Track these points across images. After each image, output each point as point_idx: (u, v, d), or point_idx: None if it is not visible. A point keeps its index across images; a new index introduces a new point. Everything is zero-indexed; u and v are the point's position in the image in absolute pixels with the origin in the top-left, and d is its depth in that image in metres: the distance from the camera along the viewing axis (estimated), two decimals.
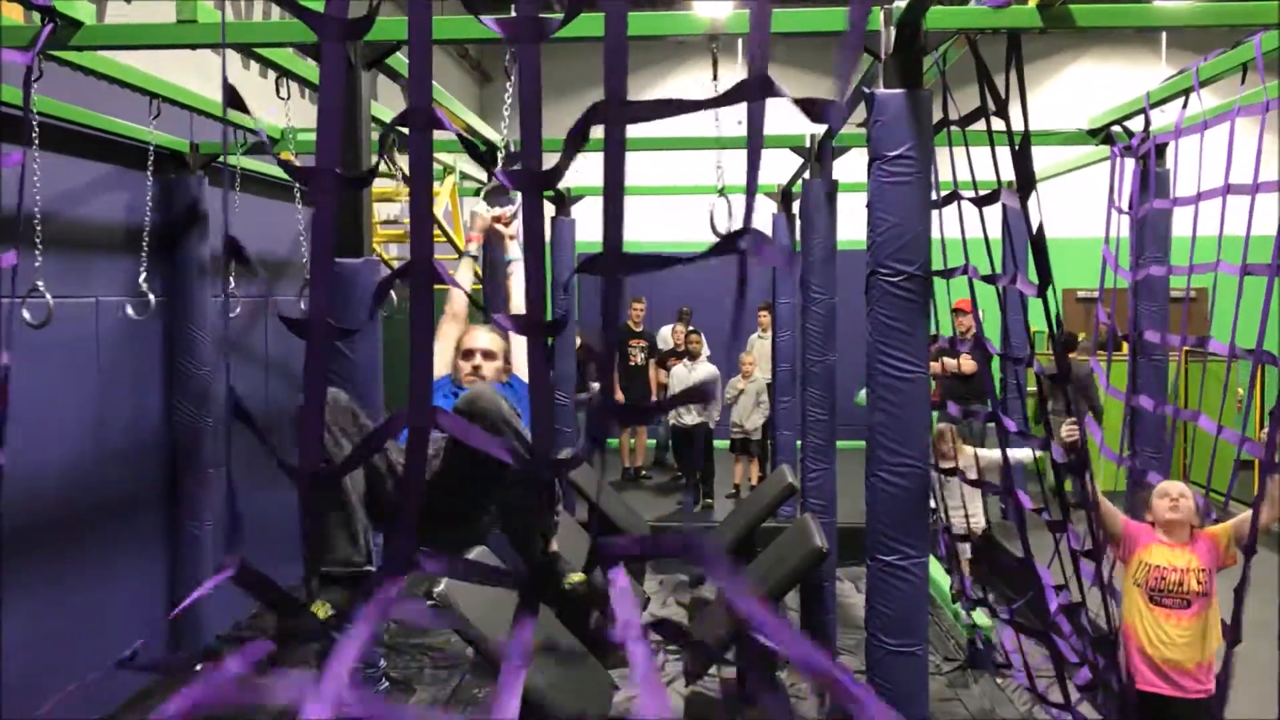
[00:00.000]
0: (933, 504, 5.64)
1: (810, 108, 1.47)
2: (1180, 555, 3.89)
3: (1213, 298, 4.60)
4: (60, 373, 5.06)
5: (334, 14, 1.48)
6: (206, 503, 6.13)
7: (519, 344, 3.52)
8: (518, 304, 3.52)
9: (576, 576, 2.52)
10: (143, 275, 5.40)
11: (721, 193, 3.82)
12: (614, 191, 1.39)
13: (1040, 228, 2.87)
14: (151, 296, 5.39)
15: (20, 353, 3.63)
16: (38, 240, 4.17)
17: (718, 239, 1.36)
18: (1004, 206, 3.49)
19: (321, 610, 2.26)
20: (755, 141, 1.38)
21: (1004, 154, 3.46)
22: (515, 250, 3.78)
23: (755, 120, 1.39)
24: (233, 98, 1.67)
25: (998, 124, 3.32)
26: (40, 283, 4.07)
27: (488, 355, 3.31)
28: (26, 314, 4.05)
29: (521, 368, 3.47)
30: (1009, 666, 4.78)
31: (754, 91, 1.37)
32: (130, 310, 5.39)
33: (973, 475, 5.32)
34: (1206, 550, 3.89)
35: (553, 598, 3.01)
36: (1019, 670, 4.80)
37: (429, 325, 1.52)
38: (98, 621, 5.33)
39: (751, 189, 1.37)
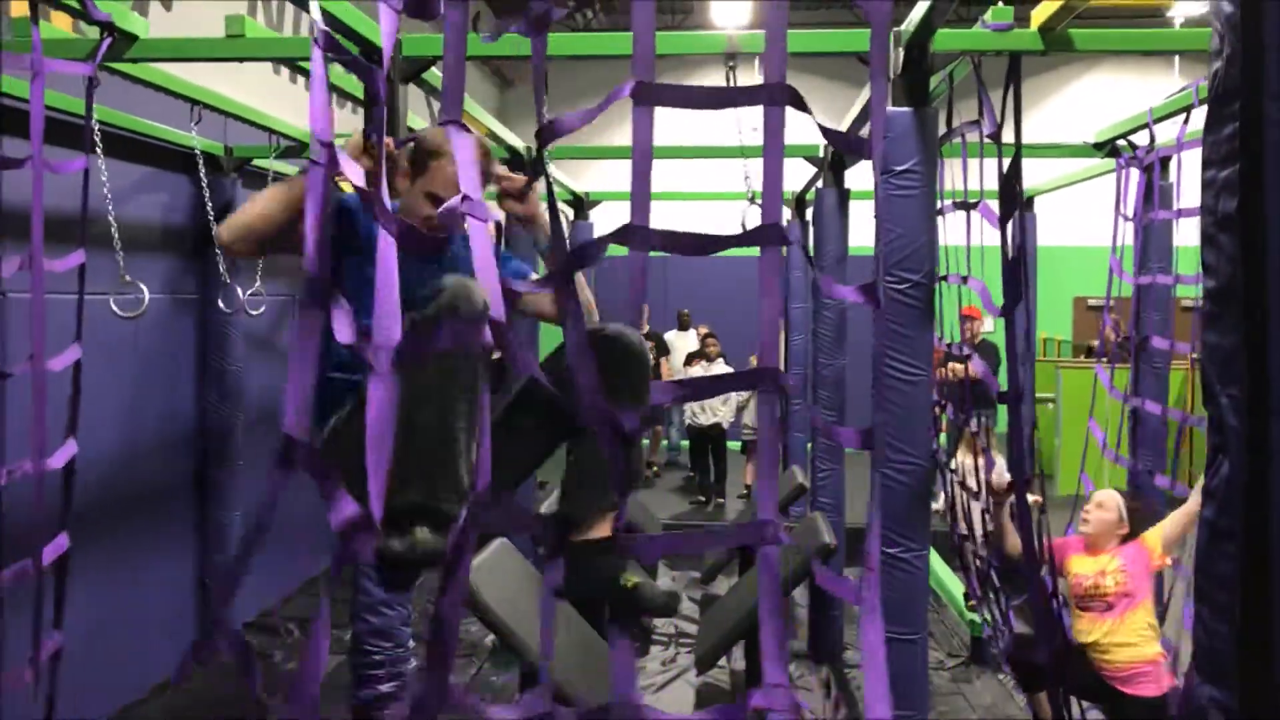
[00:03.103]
0: (941, 504, 5.83)
1: (841, 140, 1.63)
2: (1096, 560, 4.05)
3: None
4: (100, 367, 5.27)
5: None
6: (235, 494, 6.35)
7: None
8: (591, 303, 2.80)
9: (633, 578, 2.27)
10: (121, 269, 5.21)
11: (753, 200, 3.96)
12: (642, 167, 1.51)
13: (1021, 246, 3.03)
14: (146, 291, 5.41)
15: (63, 347, 3.82)
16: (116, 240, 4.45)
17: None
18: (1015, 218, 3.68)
19: (421, 537, 2.12)
20: (774, 144, 1.52)
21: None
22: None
23: (773, 123, 1.52)
24: None
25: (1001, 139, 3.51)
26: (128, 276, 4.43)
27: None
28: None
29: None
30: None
31: (774, 96, 1.51)
32: (113, 306, 5.40)
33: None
34: (1133, 553, 4.02)
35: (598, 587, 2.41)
36: None
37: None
38: (131, 607, 5.55)
39: (773, 190, 1.51)
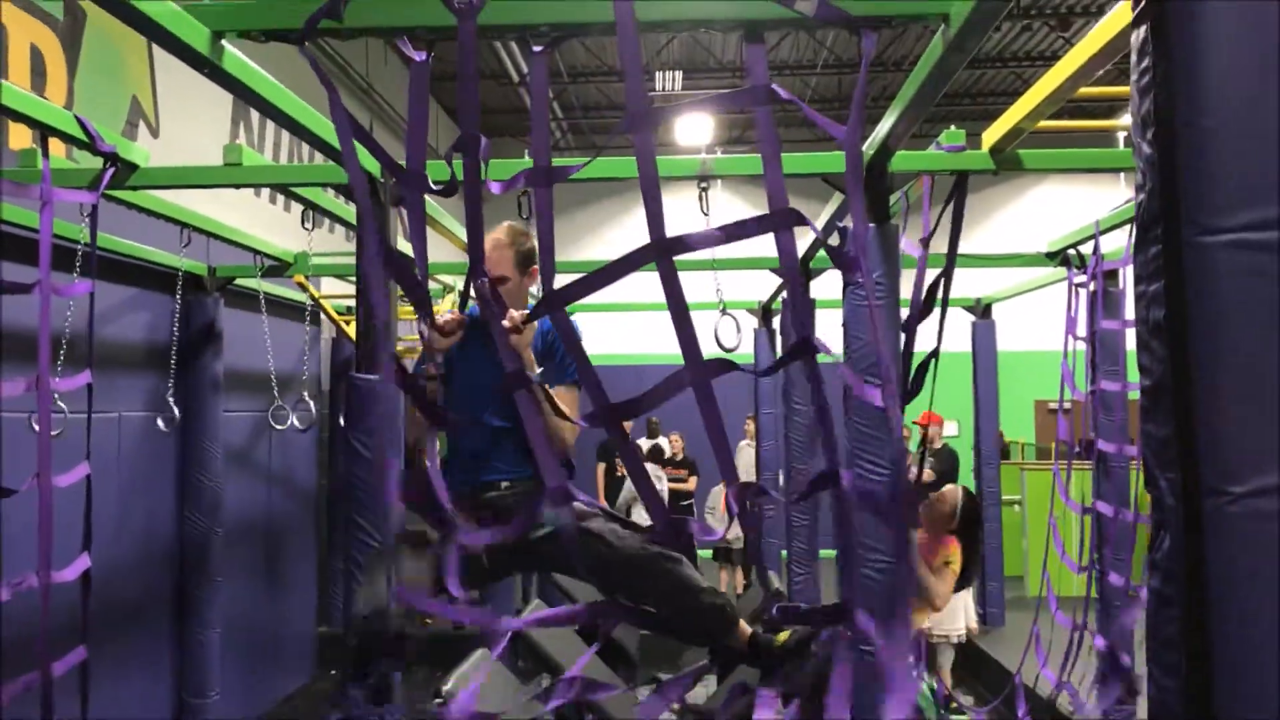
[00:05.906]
0: None
1: (785, 220, 1.84)
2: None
3: None
4: (82, 484, 5.31)
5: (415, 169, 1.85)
6: (213, 610, 6.33)
7: None
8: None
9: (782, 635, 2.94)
10: (170, 391, 5.75)
11: (724, 311, 4.15)
12: (679, 313, 1.75)
13: (936, 350, 3.32)
14: (176, 411, 5.71)
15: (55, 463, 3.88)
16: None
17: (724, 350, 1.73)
18: (973, 326, 3.93)
19: None
20: (788, 264, 1.75)
21: (964, 276, 3.88)
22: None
23: (786, 246, 1.77)
24: None
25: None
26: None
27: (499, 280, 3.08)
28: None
29: None
30: None
31: (784, 221, 1.74)
32: (161, 424, 5.73)
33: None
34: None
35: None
36: None
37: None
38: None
39: (799, 312, 1.74)
